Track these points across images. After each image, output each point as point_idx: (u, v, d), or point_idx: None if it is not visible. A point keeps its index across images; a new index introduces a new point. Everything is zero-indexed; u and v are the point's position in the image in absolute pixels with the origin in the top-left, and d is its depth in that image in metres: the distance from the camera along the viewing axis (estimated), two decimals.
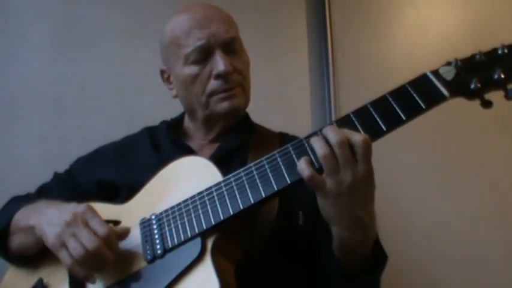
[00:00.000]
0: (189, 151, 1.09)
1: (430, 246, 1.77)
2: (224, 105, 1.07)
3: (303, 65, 1.81)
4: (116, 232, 0.90)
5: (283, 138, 1.15)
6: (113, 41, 1.66)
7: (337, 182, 0.78)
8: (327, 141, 0.78)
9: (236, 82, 1.07)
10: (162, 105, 1.39)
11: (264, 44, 1.72)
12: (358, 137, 0.78)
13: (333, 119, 1.76)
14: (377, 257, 0.91)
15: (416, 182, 1.79)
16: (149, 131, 1.21)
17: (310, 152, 0.82)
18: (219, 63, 1.04)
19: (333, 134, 0.78)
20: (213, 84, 1.06)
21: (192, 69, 1.06)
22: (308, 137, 0.84)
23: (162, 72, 1.17)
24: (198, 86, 1.07)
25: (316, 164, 0.80)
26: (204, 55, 1.05)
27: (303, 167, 0.79)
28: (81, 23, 1.64)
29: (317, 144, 0.79)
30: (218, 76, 1.05)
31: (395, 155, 1.67)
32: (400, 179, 1.74)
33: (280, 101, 1.75)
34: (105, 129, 1.53)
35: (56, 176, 1.22)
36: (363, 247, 0.88)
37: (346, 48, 1.82)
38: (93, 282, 0.89)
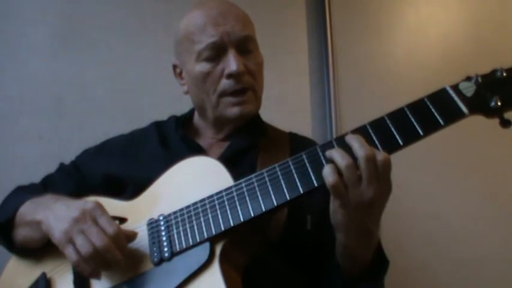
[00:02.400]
0: (199, 149, 1.07)
1: (430, 246, 1.77)
2: (235, 111, 1.05)
3: (303, 65, 1.81)
4: (124, 233, 0.89)
5: (294, 139, 1.14)
6: (113, 41, 1.65)
7: (359, 195, 0.77)
8: (348, 150, 0.77)
9: (247, 84, 1.05)
10: (162, 105, 1.39)
11: (264, 44, 1.71)
12: (381, 156, 0.76)
13: (333, 119, 1.75)
14: (379, 263, 0.91)
15: (417, 182, 1.79)
16: (157, 126, 1.19)
17: (324, 162, 0.80)
18: (232, 63, 1.02)
19: (362, 148, 0.76)
20: (225, 83, 1.04)
21: (203, 67, 1.05)
22: (323, 146, 0.82)
23: (175, 67, 1.15)
24: (209, 85, 1.05)
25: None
26: (216, 52, 1.03)
27: (328, 172, 0.76)
28: (81, 23, 1.63)
29: (337, 155, 0.77)
30: (230, 76, 1.03)
31: (395, 155, 1.66)
32: (400, 179, 1.73)
33: (280, 101, 1.75)
34: (105, 129, 1.52)
35: (62, 167, 1.20)
36: (366, 254, 0.87)
37: (346, 48, 1.82)
38: (99, 278, 0.87)
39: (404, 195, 1.76)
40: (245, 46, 1.06)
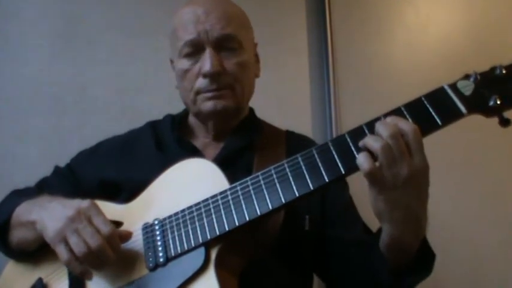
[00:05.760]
0: (194, 150, 1.07)
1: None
2: (208, 105, 1.04)
3: (303, 65, 1.81)
4: (119, 233, 0.88)
5: (290, 137, 1.13)
6: (113, 40, 1.65)
7: (394, 175, 0.74)
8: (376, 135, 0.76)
9: (224, 83, 1.03)
10: (162, 105, 1.39)
11: (264, 44, 1.71)
12: (408, 126, 0.75)
13: (333, 119, 1.75)
14: (424, 256, 0.86)
15: None
16: (153, 126, 1.18)
17: (320, 163, 0.80)
18: (206, 63, 1.01)
19: (384, 127, 0.75)
20: (200, 82, 1.04)
21: (183, 64, 1.05)
22: (319, 148, 0.81)
23: (171, 61, 1.16)
24: (187, 82, 1.06)
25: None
26: (194, 50, 1.03)
27: (362, 160, 0.75)
28: (81, 22, 1.63)
29: (369, 140, 0.76)
30: (205, 75, 1.02)
31: None
32: None
33: (280, 101, 1.75)
34: (105, 129, 1.52)
35: (57, 170, 1.20)
36: (413, 244, 0.83)
37: (346, 48, 1.82)
38: (90, 279, 0.87)
39: None
40: (225, 44, 1.04)
